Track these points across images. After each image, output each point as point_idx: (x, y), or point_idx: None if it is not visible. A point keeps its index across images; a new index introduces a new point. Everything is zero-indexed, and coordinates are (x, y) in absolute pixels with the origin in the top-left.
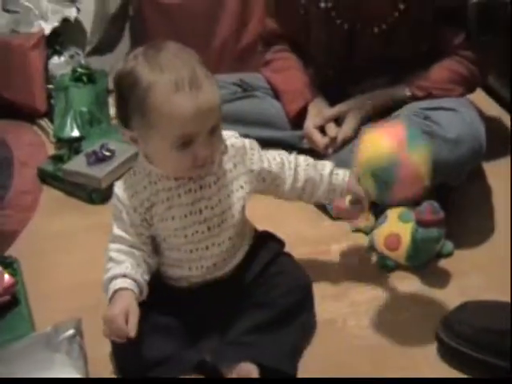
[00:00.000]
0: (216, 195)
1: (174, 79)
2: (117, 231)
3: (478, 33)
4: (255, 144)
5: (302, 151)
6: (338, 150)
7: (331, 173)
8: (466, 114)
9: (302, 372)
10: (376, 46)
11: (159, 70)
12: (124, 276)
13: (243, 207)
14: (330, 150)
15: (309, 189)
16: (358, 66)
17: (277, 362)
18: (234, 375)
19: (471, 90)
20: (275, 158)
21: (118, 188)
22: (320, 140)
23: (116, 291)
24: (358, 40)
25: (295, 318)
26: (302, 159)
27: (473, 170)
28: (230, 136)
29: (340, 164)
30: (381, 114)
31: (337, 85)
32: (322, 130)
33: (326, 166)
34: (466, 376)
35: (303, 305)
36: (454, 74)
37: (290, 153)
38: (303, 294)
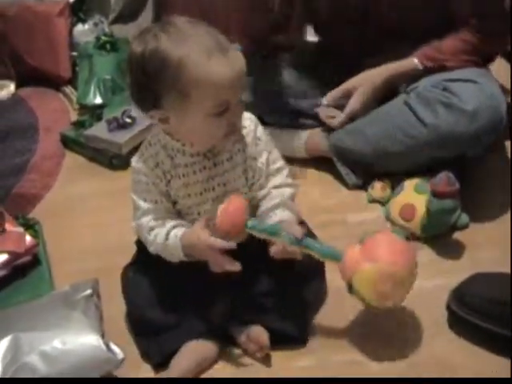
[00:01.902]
0: (229, 172)
1: (204, 47)
2: (145, 205)
3: None
4: (264, 136)
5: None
6: (346, 123)
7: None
8: (485, 86)
9: (312, 338)
10: (391, 14)
11: (184, 43)
12: (174, 227)
13: (253, 184)
14: (337, 124)
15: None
16: (372, 37)
17: (287, 326)
18: (243, 338)
19: (487, 59)
20: (274, 163)
21: (137, 162)
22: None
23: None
24: (372, 8)
25: (306, 284)
26: (288, 191)
27: (492, 142)
28: (245, 117)
29: (349, 134)
30: (394, 84)
31: (352, 58)
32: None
33: (285, 212)
34: (474, 346)
35: (314, 271)
36: (465, 44)
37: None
38: (314, 261)
